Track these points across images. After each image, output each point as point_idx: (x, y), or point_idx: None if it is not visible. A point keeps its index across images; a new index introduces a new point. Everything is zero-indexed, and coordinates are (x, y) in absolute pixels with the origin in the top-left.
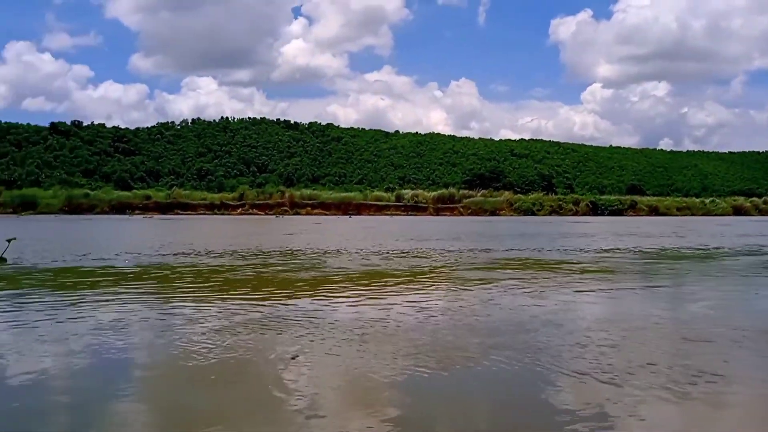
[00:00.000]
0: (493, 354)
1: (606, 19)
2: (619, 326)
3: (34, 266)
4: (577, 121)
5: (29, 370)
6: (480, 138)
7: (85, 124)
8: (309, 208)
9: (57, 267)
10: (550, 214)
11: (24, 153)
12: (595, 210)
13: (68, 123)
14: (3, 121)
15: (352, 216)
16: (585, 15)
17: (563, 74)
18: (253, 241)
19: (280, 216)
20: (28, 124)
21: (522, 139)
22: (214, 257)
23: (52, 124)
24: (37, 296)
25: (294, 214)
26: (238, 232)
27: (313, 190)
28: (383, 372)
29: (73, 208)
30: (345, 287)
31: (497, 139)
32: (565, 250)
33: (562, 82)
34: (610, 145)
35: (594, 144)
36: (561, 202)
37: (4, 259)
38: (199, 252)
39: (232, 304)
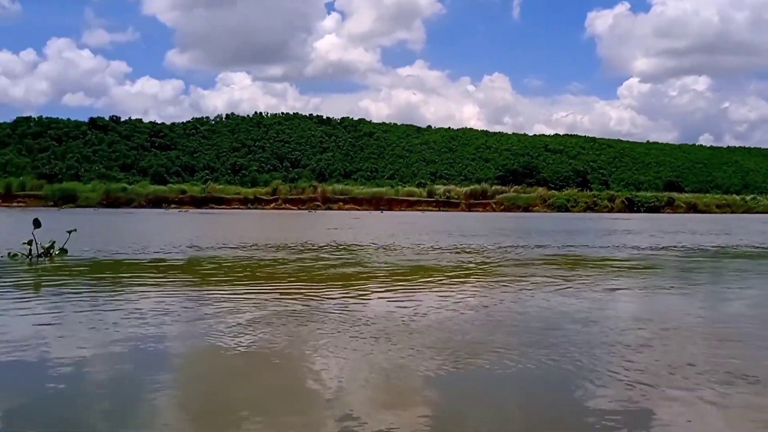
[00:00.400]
0: (526, 351)
1: (644, 12)
2: (659, 325)
3: (94, 258)
4: (613, 116)
5: (73, 355)
6: (513, 133)
7: (122, 119)
8: (341, 203)
9: (115, 259)
10: (584, 210)
11: (64, 148)
12: (631, 207)
13: (106, 118)
14: (44, 117)
15: (384, 211)
16: (622, 8)
17: (599, 68)
18: (301, 235)
19: (313, 211)
20: (68, 120)
21: (557, 134)
22: (269, 250)
23: (91, 119)
24: (98, 286)
25: (326, 209)
26: (283, 226)
27: (345, 185)
28: (413, 367)
29: (111, 201)
30: (386, 282)
31: (531, 134)
32: (611, 246)
33: (598, 76)
34: (648, 141)
35: (631, 139)
36: (596, 199)
37: (65, 250)
38: (256, 245)
39: (277, 296)
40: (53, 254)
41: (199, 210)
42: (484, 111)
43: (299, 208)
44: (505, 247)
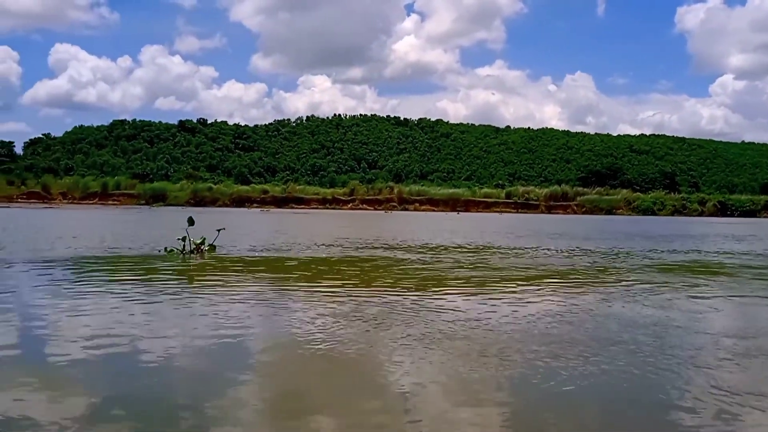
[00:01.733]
0: (608, 357)
1: (740, 5)
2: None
3: (241, 255)
4: (704, 115)
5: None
6: (596, 133)
7: (209, 121)
8: (417, 204)
9: (263, 256)
10: (672, 214)
11: (155, 149)
12: (723, 211)
13: (194, 121)
14: (138, 120)
15: (460, 212)
16: (716, 1)
17: (690, 65)
18: (414, 235)
19: (389, 211)
20: (159, 122)
21: (642, 134)
22: (401, 250)
23: (180, 122)
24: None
25: (402, 210)
26: (383, 226)
27: (422, 186)
28: (489, 368)
29: (198, 200)
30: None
31: (615, 134)
32: (727, 252)
33: (689, 73)
34: (743, 141)
35: (724, 139)
36: (685, 202)
37: (214, 247)
38: (387, 244)
39: (375, 294)
40: (204, 250)
41: (280, 209)
42: (566, 111)
43: (375, 209)
44: (622, 251)
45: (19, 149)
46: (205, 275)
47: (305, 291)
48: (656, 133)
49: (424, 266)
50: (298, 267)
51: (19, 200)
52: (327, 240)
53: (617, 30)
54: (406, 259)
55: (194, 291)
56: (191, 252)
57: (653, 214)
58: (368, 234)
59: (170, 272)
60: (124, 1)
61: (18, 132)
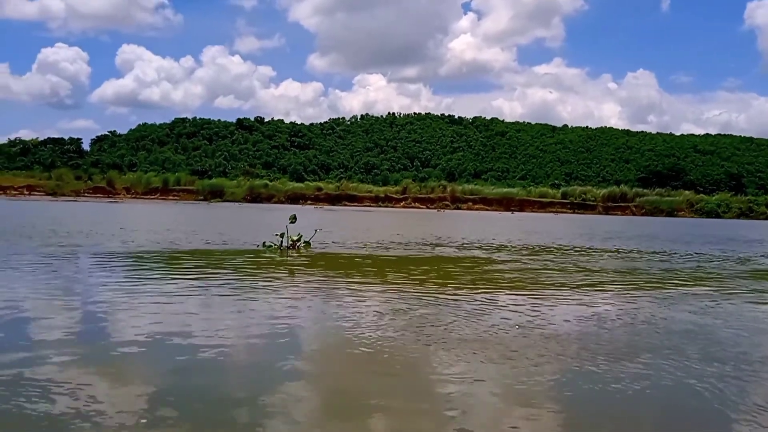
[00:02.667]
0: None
1: None
2: None
3: (333, 251)
4: None
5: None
6: (658, 133)
7: (266, 120)
8: (470, 203)
9: (356, 253)
10: (737, 216)
11: (214, 147)
12: None
13: (252, 119)
14: (198, 118)
15: (514, 212)
16: None
17: (760, 63)
18: (488, 235)
19: (442, 210)
20: (218, 120)
21: (707, 134)
22: (485, 250)
23: (238, 120)
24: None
25: (455, 209)
26: (449, 225)
27: (475, 185)
28: (545, 371)
29: (254, 197)
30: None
31: (678, 134)
32: None
33: (758, 71)
34: None
35: None
36: (751, 204)
37: (309, 243)
38: (473, 244)
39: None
40: (299, 247)
41: (333, 207)
42: (626, 109)
43: (428, 207)
44: (715, 256)
45: (86, 145)
46: (310, 269)
47: (405, 289)
48: (722, 133)
49: (523, 268)
50: (392, 264)
51: (86, 194)
52: (405, 238)
53: (682, 26)
54: (495, 260)
55: (307, 284)
56: (288, 247)
57: (717, 216)
58: (440, 233)
59: (283, 266)
60: (188, 3)
61: (86, 129)
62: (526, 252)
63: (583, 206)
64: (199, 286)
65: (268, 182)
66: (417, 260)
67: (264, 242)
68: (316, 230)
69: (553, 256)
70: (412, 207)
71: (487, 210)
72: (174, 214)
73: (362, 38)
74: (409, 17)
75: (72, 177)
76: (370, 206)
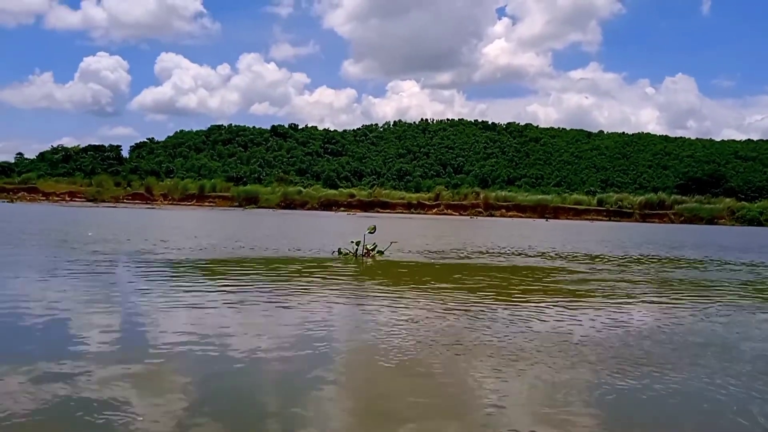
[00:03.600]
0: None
1: None
2: None
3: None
4: None
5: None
6: (697, 138)
7: (300, 126)
8: (503, 210)
9: (426, 261)
10: None
11: (249, 153)
12: None
13: (286, 126)
14: (233, 125)
15: (549, 219)
16: None
17: None
18: (540, 243)
19: (474, 217)
20: (253, 127)
21: (749, 139)
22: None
23: (273, 127)
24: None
25: (488, 216)
26: (494, 233)
27: (509, 191)
28: (578, 379)
29: (288, 203)
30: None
31: (718, 139)
32: None
33: None
34: None
35: None
36: None
37: (382, 252)
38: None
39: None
40: (374, 255)
41: (366, 213)
42: (664, 115)
43: (461, 214)
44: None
45: (125, 152)
46: (391, 277)
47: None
48: (765, 139)
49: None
50: (463, 270)
51: (125, 200)
52: (466, 246)
53: (724, 29)
54: (556, 268)
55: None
56: (363, 255)
57: (759, 224)
58: (491, 241)
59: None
60: (225, 11)
61: (126, 136)
62: (598, 261)
63: (619, 213)
64: (316, 292)
65: (302, 189)
66: (495, 268)
67: (339, 249)
68: (391, 242)
69: (640, 266)
70: (445, 214)
71: (520, 217)
72: (222, 221)
73: (396, 44)
74: (443, 23)
75: (112, 183)
76: (402, 213)
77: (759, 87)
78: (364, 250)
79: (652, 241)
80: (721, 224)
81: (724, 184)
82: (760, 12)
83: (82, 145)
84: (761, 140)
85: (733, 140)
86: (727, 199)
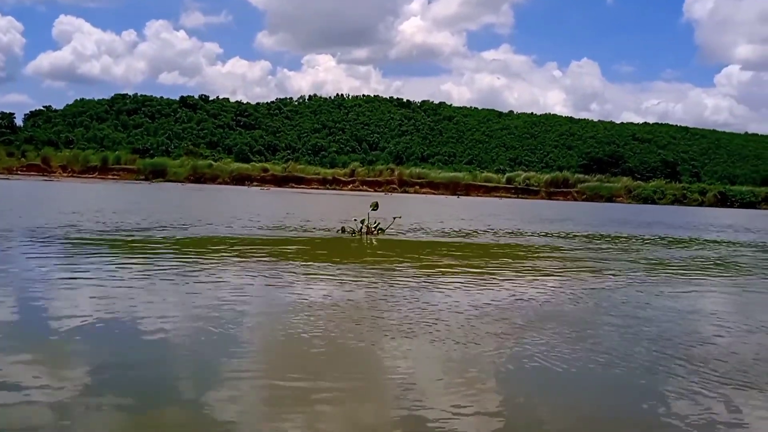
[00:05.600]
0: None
1: None
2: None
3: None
4: (709, 105)
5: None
6: (599, 120)
7: (211, 98)
8: (417, 187)
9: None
10: (672, 203)
11: (156, 124)
12: (723, 201)
13: (196, 97)
14: (139, 94)
15: (460, 196)
16: None
17: (696, 55)
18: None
19: (389, 194)
20: (161, 98)
21: (646, 122)
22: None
23: (182, 97)
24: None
25: (402, 192)
26: (428, 210)
27: (422, 168)
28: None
29: (197, 177)
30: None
31: (618, 122)
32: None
33: (695, 63)
34: (746, 132)
35: (728, 130)
36: (685, 191)
37: (383, 230)
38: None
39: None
40: (375, 233)
41: (280, 188)
42: (570, 97)
43: (375, 191)
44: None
45: (19, 121)
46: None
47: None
48: (660, 122)
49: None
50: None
51: (19, 172)
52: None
53: (626, 18)
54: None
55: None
56: (367, 233)
57: (653, 202)
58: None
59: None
60: None
61: (20, 103)
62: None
63: (527, 191)
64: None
65: (212, 162)
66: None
67: (343, 227)
68: (394, 218)
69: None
70: (360, 190)
71: (433, 194)
72: (164, 197)
73: (312, 17)
74: None
75: (4, 154)
76: (318, 188)
77: (655, 74)
78: (366, 228)
79: (568, 217)
80: (619, 202)
81: (623, 164)
82: (659, 3)
83: None
84: (656, 123)
85: (631, 123)
86: (625, 179)
